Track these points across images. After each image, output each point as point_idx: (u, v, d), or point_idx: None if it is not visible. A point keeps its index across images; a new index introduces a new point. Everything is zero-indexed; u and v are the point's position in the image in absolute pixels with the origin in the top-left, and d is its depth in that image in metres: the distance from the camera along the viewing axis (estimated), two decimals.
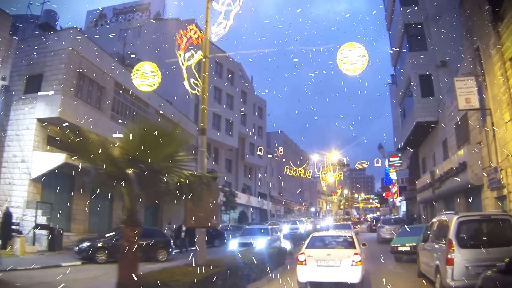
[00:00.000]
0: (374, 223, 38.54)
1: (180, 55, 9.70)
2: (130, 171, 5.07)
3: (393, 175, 37.32)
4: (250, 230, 21.28)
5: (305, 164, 39.96)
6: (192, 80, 9.03)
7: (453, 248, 7.42)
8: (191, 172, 5.58)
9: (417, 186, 25.22)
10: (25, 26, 38.83)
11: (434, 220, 9.66)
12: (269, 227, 22.31)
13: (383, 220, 24.58)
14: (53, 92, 18.92)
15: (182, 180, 5.28)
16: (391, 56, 31.09)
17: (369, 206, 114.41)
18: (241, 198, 46.61)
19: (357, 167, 34.07)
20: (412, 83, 22.60)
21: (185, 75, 9.49)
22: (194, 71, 9.80)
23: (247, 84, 54.52)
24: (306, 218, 50.14)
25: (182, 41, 9.73)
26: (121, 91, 24.75)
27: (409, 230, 14.76)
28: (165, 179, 5.21)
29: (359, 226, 45.82)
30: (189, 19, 43.65)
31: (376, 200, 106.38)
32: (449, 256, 7.39)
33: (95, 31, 42.67)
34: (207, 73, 9.30)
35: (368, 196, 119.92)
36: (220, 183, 39.46)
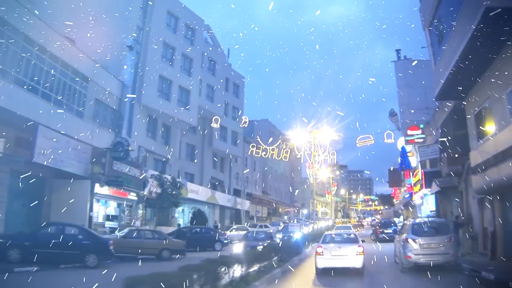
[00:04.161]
0: (381, 230, 26.64)
1: None
2: None
3: (412, 160, 25.41)
4: None
5: (278, 142, 27.90)
6: None
7: None
8: None
9: (472, 163, 13.47)
10: None
11: None
12: None
13: (413, 227, 12.11)
14: None
15: None
16: None
17: (368, 208, 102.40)
18: (200, 193, 34.63)
19: (358, 145, 22.18)
20: None
21: None
22: None
23: (209, 46, 42.72)
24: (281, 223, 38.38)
25: None
26: None
27: None
28: None
29: (358, 229, 41.65)
30: None
31: (376, 202, 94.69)
32: None
33: None
34: None
35: (368, 196, 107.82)
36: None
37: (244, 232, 27.10)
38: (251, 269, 9.57)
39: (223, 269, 7.18)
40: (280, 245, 12.74)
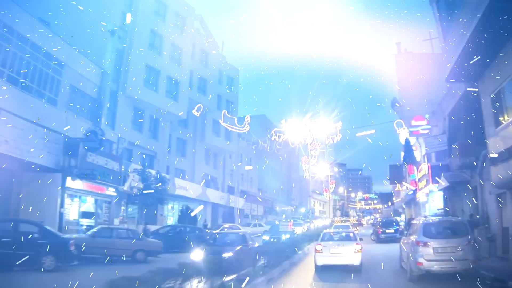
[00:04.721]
0: (383, 229, 24.99)
1: None
2: None
3: (416, 154, 23.48)
4: None
5: (271, 133, 25.93)
6: None
7: None
8: None
9: (490, 152, 11.66)
10: None
11: None
12: None
13: (425, 227, 9.95)
14: None
15: None
16: None
17: (367, 207, 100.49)
18: (189, 189, 32.75)
19: (357, 135, 20.37)
20: None
21: None
22: None
23: (200, 36, 40.65)
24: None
25: None
26: None
27: None
28: None
29: (358, 228, 41.27)
30: None
31: (376, 201, 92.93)
32: None
33: None
34: None
35: (367, 195, 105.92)
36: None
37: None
38: (227, 279, 7.71)
39: (178, 283, 5.32)
40: (264, 248, 10.78)
